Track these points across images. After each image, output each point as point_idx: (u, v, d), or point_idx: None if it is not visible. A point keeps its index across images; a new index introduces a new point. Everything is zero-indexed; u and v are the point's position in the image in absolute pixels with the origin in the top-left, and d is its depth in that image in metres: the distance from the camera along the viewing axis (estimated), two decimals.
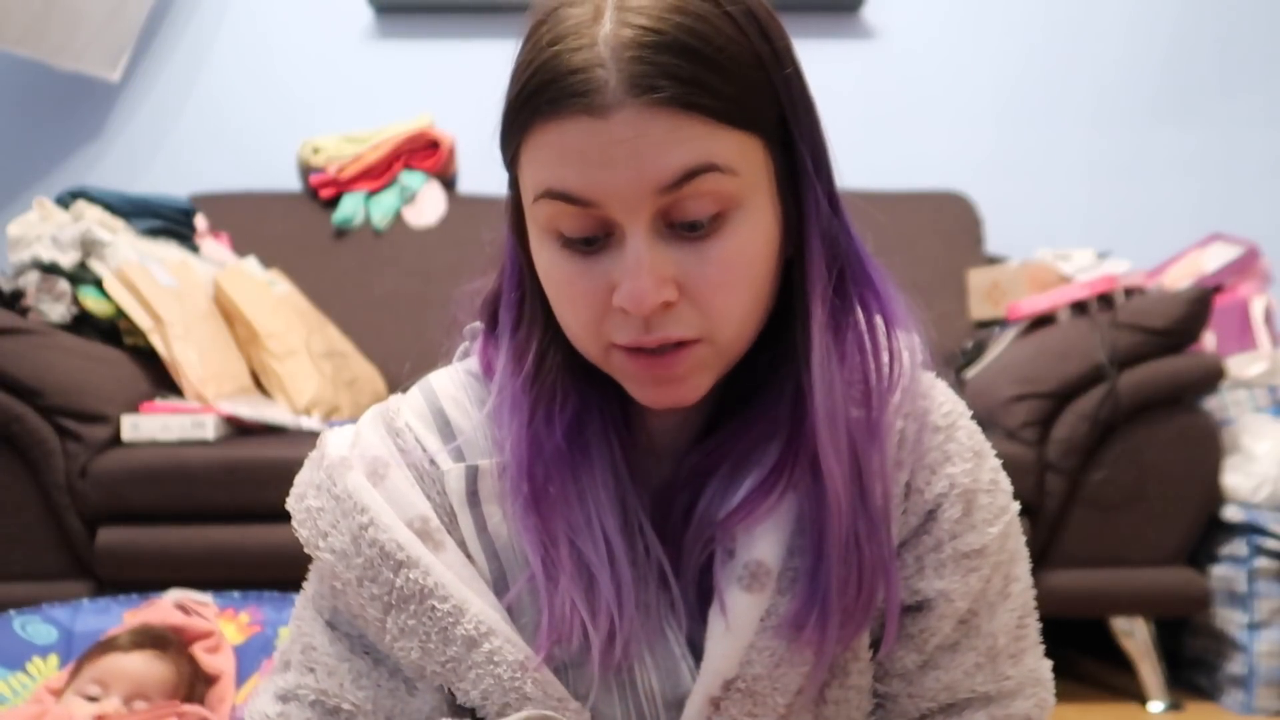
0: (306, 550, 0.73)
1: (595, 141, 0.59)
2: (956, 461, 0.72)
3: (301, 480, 0.74)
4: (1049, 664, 0.77)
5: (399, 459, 0.72)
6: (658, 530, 0.71)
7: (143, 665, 1.33)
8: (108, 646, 1.35)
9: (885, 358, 0.70)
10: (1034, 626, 0.76)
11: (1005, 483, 0.75)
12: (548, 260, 0.65)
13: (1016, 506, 0.75)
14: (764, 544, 0.68)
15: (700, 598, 0.70)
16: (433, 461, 0.72)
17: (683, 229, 0.62)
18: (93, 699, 1.30)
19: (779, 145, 0.65)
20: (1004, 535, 0.73)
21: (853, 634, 0.70)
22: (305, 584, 0.77)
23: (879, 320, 0.70)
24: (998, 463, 0.75)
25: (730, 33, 0.61)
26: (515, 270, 0.72)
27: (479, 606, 0.68)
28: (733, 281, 0.63)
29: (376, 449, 0.72)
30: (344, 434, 0.75)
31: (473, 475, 0.71)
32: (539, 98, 0.60)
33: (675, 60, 0.59)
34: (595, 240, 0.63)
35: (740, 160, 0.62)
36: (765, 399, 0.70)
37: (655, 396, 0.67)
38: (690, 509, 0.71)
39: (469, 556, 0.71)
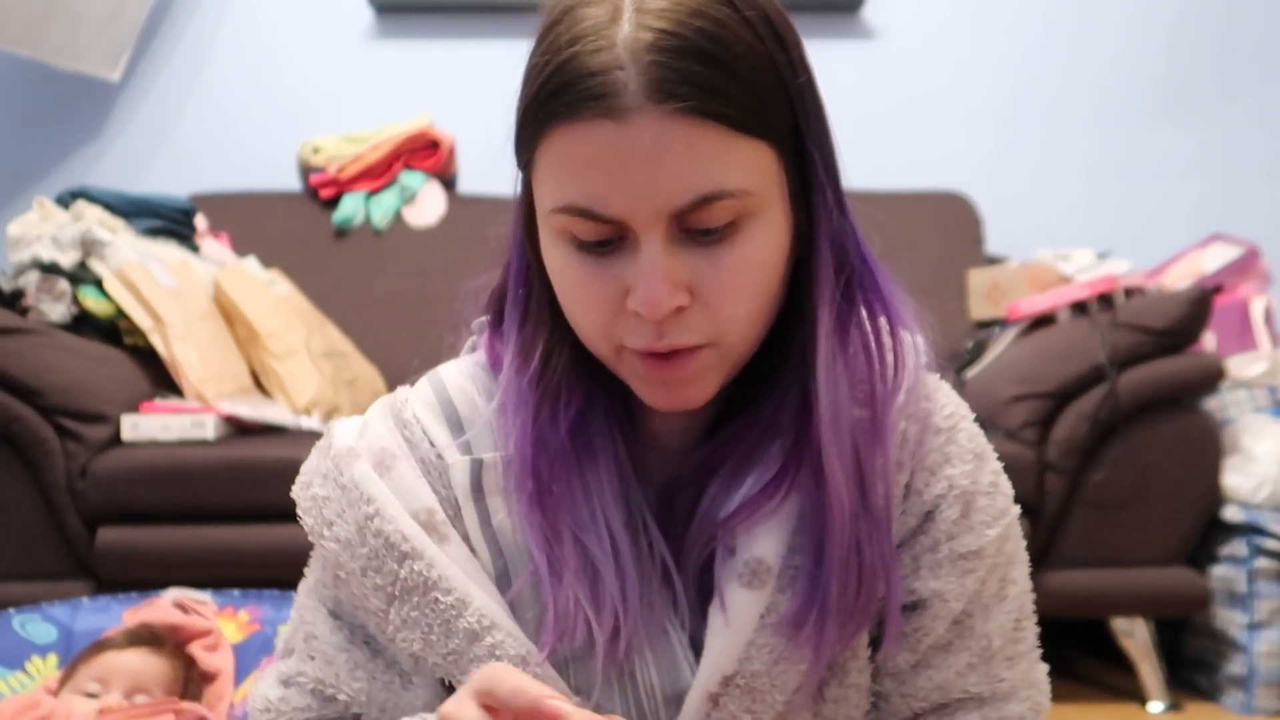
0: (310, 538, 0.73)
1: (614, 150, 0.59)
2: (956, 463, 0.72)
3: (307, 468, 0.74)
4: (1045, 668, 0.77)
5: (406, 450, 0.72)
6: (660, 527, 0.71)
7: (140, 661, 1.34)
8: (102, 646, 1.36)
9: (889, 360, 0.70)
10: (1031, 630, 0.76)
11: (1005, 486, 0.75)
12: (560, 261, 0.65)
13: (1016, 510, 0.75)
14: (765, 542, 0.68)
15: (701, 595, 0.70)
16: (439, 454, 0.72)
17: (697, 234, 0.62)
18: (92, 695, 1.30)
19: (791, 152, 0.65)
20: (1002, 538, 0.73)
21: (852, 633, 0.70)
22: (306, 571, 0.77)
23: (883, 322, 0.70)
24: (998, 465, 0.75)
25: (748, 39, 0.61)
26: (522, 267, 0.72)
27: (482, 600, 0.68)
28: (744, 286, 0.64)
29: (384, 440, 0.72)
30: (351, 424, 0.75)
31: (478, 468, 0.71)
32: (556, 100, 0.60)
33: (695, 66, 0.59)
34: (609, 243, 0.63)
35: (753, 174, 0.62)
36: (770, 399, 0.70)
37: (664, 399, 0.67)
38: (693, 507, 0.71)
39: (472, 550, 0.71)
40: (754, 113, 0.61)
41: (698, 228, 0.62)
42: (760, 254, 0.63)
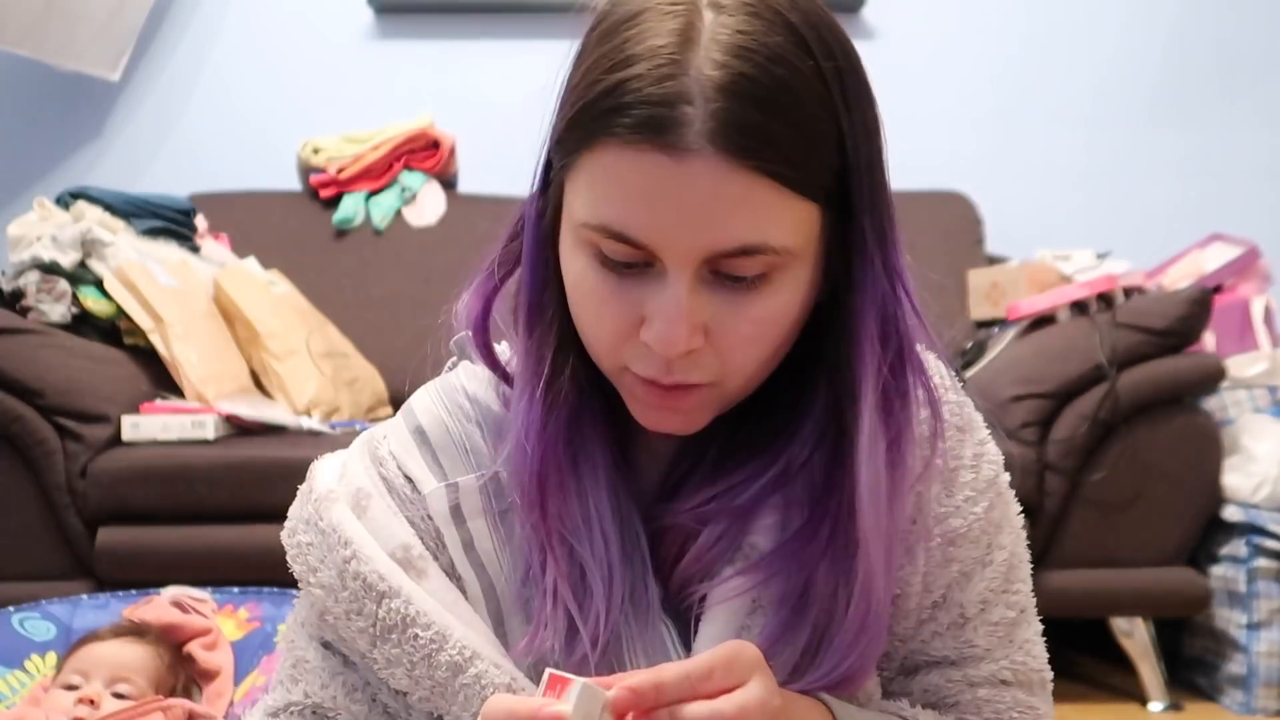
0: (299, 584, 0.73)
1: (667, 187, 0.57)
2: (938, 440, 0.71)
3: (292, 514, 0.74)
4: (1037, 628, 0.76)
5: (381, 488, 0.72)
6: (651, 521, 0.71)
7: (119, 649, 1.34)
8: (86, 640, 1.38)
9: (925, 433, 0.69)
10: (1024, 593, 0.75)
11: (993, 453, 0.74)
12: (580, 270, 0.64)
13: (1006, 477, 0.74)
14: (759, 529, 0.68)
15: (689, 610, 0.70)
16: (415, 487, 0.72)
17: (726, 278, 0.61)
18: (74, 688, 1.31)
19: (839, 210, 0.62)
20: (989, 507, 0.72)
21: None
22: (295, 610, 0.77)
23: (921, 393, 0.69)
24: (985, 435, 0.74)
25: (820, 94, 0.59)
26: (536, 270, 0.70)
27: (462, 632, 0.68)
28: (761, 338, 0.63)
29: (360, 480, 0.72)
30: (333, 465, 0.75)
31: (454, 493, 0.71)
32: (613, 117, 0.58)
33: (766, 119, 0.57)
34: (636, 265, 0.62)
35: (798, 233, 0.60)
36: (777, 450, 0.68)
37: (655, 422, 0.67)
38: (682, 548, 0.70)
39: (458, 575, 0.71)
40: (812, 174, 0.59)
41: (729, 273, 0.60)
42: (783, 308, 0.62)
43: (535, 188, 0.68)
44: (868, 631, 0.66)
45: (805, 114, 0.58)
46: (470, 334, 0.74)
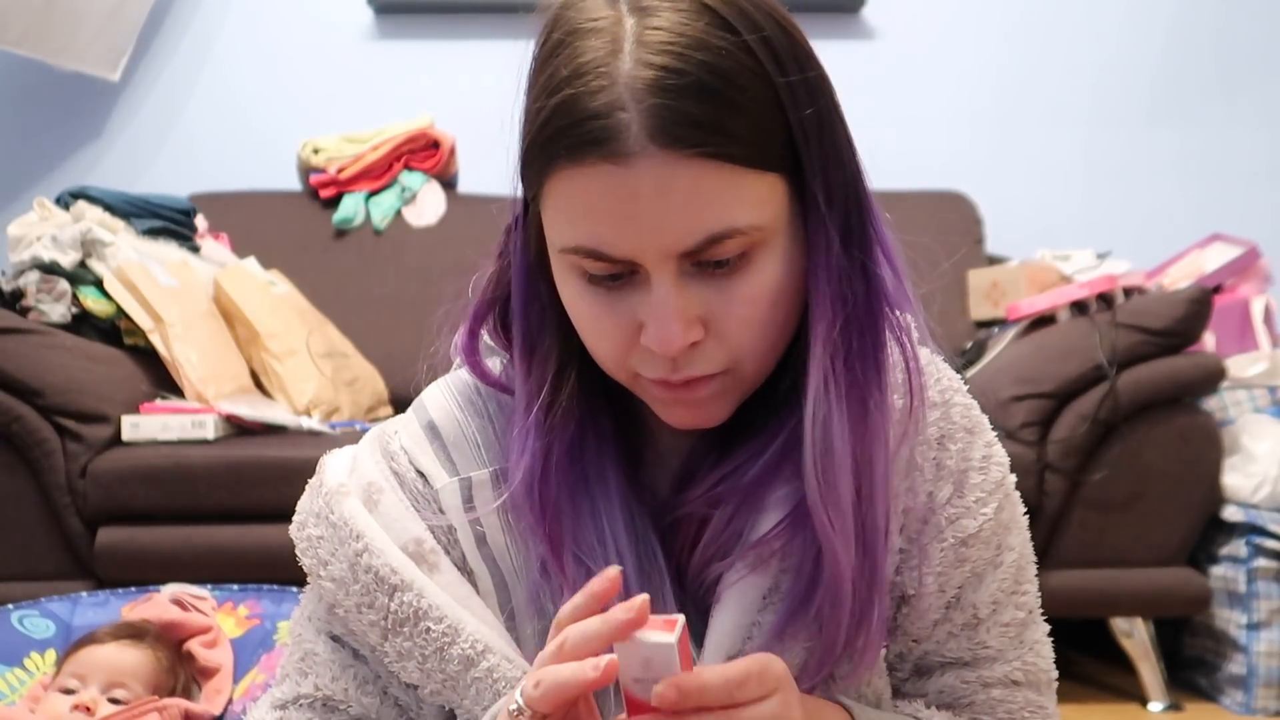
0: (309, 578, 0.73)
1: (619, 194, 0.59)
2: (947, 443, 0.72)
3: (302, 508, 0.74)
4: (1045, 629, 0.77)
5: (393, 482, 0.72)
6: (665, 535, 0.70)
7: (117, 653, 1.34)
8: (85, 641, 1.37)
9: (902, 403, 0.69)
10: (1031, 594, 0.76)
11: (1000, 455, 0.75)
12: (573, 293, 0.65)
13: (1013, 479, 0.75)
14: (768, 522, 0.68)
15: (708, 590, 0.70)
16: (427, 481, 0.72)
17: (708, 266, 0.62)
18: (71, 691, 1.31)
19: (803, 177, 0.63)
20: (998, 509, 0.73)
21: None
22: (302, 604, 0.77)
23: (899, 356, 0.69)
24: (992, 436, 0.75)
25: (752, 67, 0.59)
26: (528, 300, 0.70)
27: (474, 626, 0.68)
28: (757, 317, 0.63)
29: (371, 474, 0.72)
30: (343, 459, 0.75)
31: (467, 487, 0.71)
32: (558, 143, 0.59)
33: (698, 106, 0.58)
34: (621, 276, 0.63)
35: (764, 208, 0.61)
36: (776, 430, 0.68)
37: (680, 419, 0.67)
38: (698, 533, 0.70)
39: (470, 569, 0.71)
40: (761, 147, 0.60)
41: (708, 260, 0.61)
42: (772, 283, 0.63)
43: (515, 218, 0.69)
44: (856, 593, 0.65)
45: (738, 90, 0.59)
46: (464, 359, 0.75)
